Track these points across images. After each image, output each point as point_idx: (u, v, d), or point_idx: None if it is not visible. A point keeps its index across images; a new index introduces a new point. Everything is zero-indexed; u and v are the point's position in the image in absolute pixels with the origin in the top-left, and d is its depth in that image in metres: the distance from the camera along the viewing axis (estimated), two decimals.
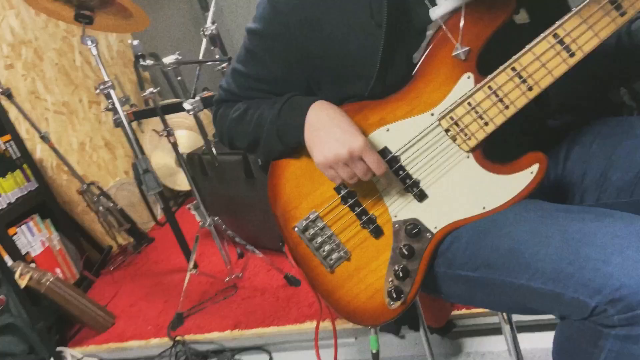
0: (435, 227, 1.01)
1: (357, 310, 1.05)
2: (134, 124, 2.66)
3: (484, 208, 0.99)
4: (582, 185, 1.06)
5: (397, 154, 1.01)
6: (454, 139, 0.99)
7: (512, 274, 0.88)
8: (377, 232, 1.03)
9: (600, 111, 1.14)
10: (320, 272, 1.06)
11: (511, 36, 0.96)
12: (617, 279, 0.75)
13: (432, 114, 1.00)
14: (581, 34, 0.92)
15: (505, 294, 0.91)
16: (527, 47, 0.94)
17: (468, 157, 1.00)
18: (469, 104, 0.97)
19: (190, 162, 2.56)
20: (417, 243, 1.01)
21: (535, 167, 0.97)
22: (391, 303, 1.02)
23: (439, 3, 0.98)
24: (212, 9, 2.11)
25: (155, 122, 2.52)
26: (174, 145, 2.16)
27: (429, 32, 0.99)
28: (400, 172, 1.02)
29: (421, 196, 1.01)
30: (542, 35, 0.93)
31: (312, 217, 1.05)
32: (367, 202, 1.03)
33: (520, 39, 0.94)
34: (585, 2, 0.91)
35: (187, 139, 3.18)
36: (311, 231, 1.05)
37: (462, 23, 0.96)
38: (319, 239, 1.05)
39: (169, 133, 2.14)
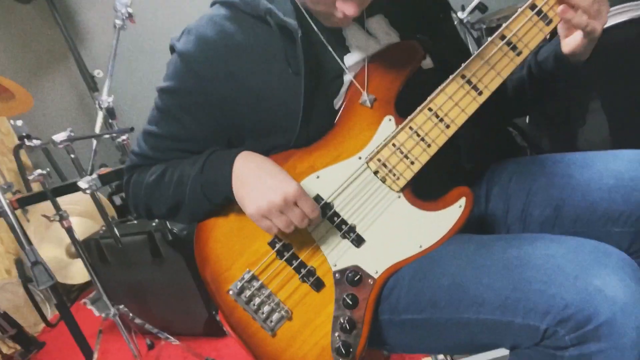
0: (377, 272, 0.98)
1: None
2: (18, 213, 2.40)
3: (420, 247, 0.98)
4: (506, 221, 1.11)
5: (329, 201, 0.99)
6: (383, 180, 1.00)
7: (458, 309, 0.87)
8: (318, 285, 0.98)
9: (507, 153, 1.22)
10: (262, 338, 0.97)
11: (421, 79, 1.02)
12: (562, 298, 0.76)
13: (360, 158, 1.00)
14: (485, 73, 0.99)
15: (454, 333, 0.89)
16: (440, 88, 0.99)
17: (399, 197, 1.00)
18: (394, 145, 0.99)
19: (87, 249, 2.34)
20: (360, 291, 0.97)
21: (462, 201, 0.99)
22: None
23: (351, 51, 1.01)
24: (107, 82, 2.02)
25: (43, 209, 2.29)
26: (69, 230, 1.96)
27: (346, 78, 1.01)
28: (335, 219, 0.99)
29: (358, 241, 0.99)
30: (452, 76, 0.99)
31: (247, 277, 0.97)
32: (305, 254, 0.99)
33: (429, 83, 0.99)
34: (484, 45, 0.99)
35: (79, 226, 2.92)
36: (247, 292, 0.97)
37: (366, 73, 1.00)
38: (257, 300, 0.97)
39: (62, 217, 1.94)
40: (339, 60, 1.00)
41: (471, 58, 0.99)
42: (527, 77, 1.09)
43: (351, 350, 0.95)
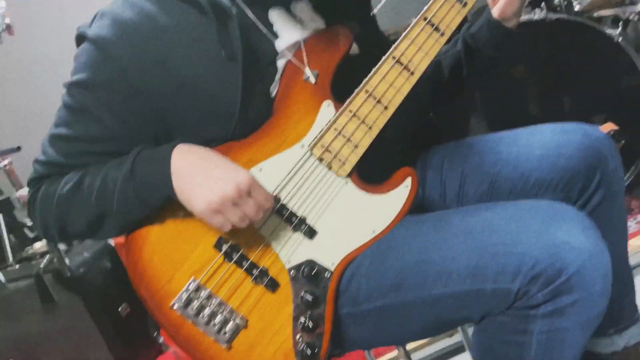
0: (333, 263, 0.92)
1: None
2: None
3: (373, 232, 0.95)
4: (444, 204, 1.12)
5: (275, 193, 0.91)
6: (329, 166, 0.95)
7: (425, 286, 0.84)
8: (273, 285, 0.90)
9: (433, 139, 1.24)
10: (216, 353, 0.86)
11: (349, 65, 1.00)
12: (530, 256, 0.77)
13: (302, 145, 0.94)
14: (414, 53, 1.00)
15: (421, 314, 0.86)
16: (373, 70, 0.98)
17: (347, 182, 0.96)
18: (336, 129, 0.95)
19: None
20: (318, 286, 0.91)
21: (408, 181, 0.98)
22: None
23: (280, 35, 0.97)
24: None
25: None
26: None
27: (279, 63, 0.96)
28: (284, 212, 0.92)
29: (311, 233, 0.92)
30: (384, 58, 0.98)
31: (192, 287, 0.86)
32: (255, 253, 0.90)
33: (358, 69, 0.98)
34: (409, 27, 1.00)
35: None
36: (195, 304, 0.86)
37: (304, 52, 0.96)
38: (207, 311, 0.86)
39: None
40: (274, 43, 0.95)
41: (399, 40, 1.00)
42: (463, 50, 1.12)
43: (316, 350, 0.88)
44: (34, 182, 0.92)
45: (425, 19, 0.99)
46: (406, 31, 1.01)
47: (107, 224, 0.87)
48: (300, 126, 0.95)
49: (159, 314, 0.85)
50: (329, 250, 0.92)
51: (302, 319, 0.89)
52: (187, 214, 0.87)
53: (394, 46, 0.99)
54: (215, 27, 0.87)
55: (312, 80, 0.95)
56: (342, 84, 0.97)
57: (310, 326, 0.88)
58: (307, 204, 0.93)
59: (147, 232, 0.87)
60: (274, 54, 0.95)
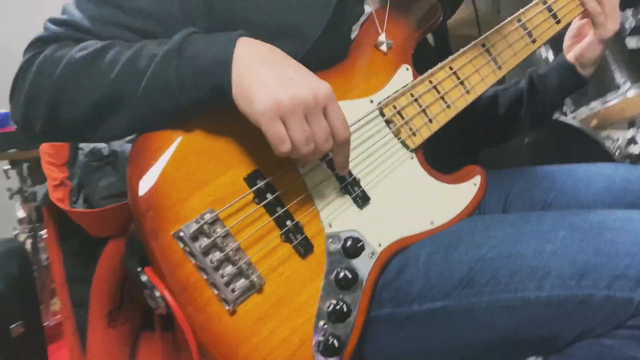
0: (380, 245, 0.73)
1: None
2: None
3: (432, 222, 0.77)
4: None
5: None
6: (397, 132, 0.79)
7: (508, 286, 0.65)
8: (306, 248, 0.69)
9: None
10: (214, 313, 0.62)
11: (421, 52, 0.88)
12: None
13: (372, 101, 0.79)
14: (503, 49, 0.91)
15: (492, 323, 0.67)
16: (461, 50, 0.87)
17: (412, 157, 0.80)
18: (412, 95, 0.81)
19: None
20: (358, 266, 0.70)
21: (477, 179, 0.83)
22: None
23: None
24: None
25: None
26: None
27: (366, 7, 0.82)
28: None
29: (362, 200, 0.74)
30: (473, 42, 0.88)
31: (208, 217, 0.64)
32: (292, 203, 0.70)
33: (429, 58, 0.86)
34: (502, 23, 0.92)
35: None
36: (205, 240, 0.63)
37: (386, 14, 0.83)
38: (218, 254, 0.64)
39: None
40: None
41: (490, 31, 0.90)
42: (527, 88, 1.01)
43: (341, 344, 0.65)
44: (39, 43, 0.70)
45: (519, 20, 0.91)
46: (498, 26, 0.91)
47: (117, 116, 0.66)
48: (373, 81, 0.80)
49: (154, 241, 0.62)
50: (378, 228, 0.74)
51: (332, 301, 0.67)
52: (223, 130, 0.67)
53: (484, 35, 0.89)
54: None
55: (384, 49, 0.81)
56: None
57: (341, 312, 0.66)
58: (365, 167, 0.76)
59: (169, 135, 0.65)
60: None
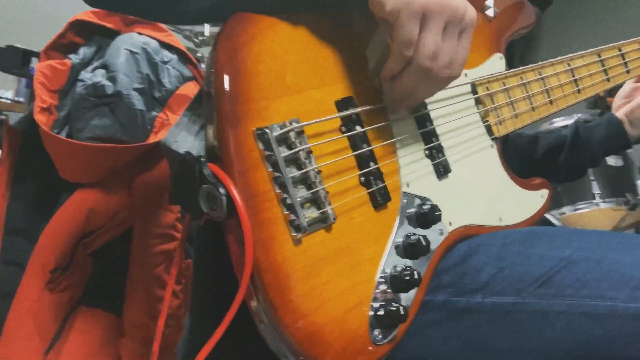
0: (450, 224, 0.65)
1: (318, 333, 0.52)
2: None
3: (500, 219, 0.70)
4: None
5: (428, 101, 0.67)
6: (485, 115, 0.73)
7: (595, 291, 0.58)
8: (383, 197, 0.59)
9: None
10: (277, 237, 0.51)
11: None
12: None
13: (466, 75, 0.73)
14: (585, 76, 0.88)
15: (566, 330, 0.59)
16: (549, 61, 0.84)
17: (492, 146, 0.74)
18: (504, 84, 0.76)
19: None
20: (427, 236, 0.61)
21: (545, 192, 0.78)
22: (378, 336, 0.55)
23: None
24: None
25: None
26: None
27: None
28: (427, 125, 0.66)
29: (445, 170, 0.66)
30: (560, 57, 0.85)
31: (294, 126, 0.54)
32: (378, 145, 0.61)
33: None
34: (602, 47, 0.91)
35: None
36: (286, 151, 0.53)
37: None
38: (296, 170, 0.53)
39: None
40: None
41: (576, 54, 0.88)
42: (570, 136, 0.99)
43: (400, 318, 0.55)
44: None
45: (619, 49, 0.90)
46: (582, 52, 0.90)
47: None
48: (470, 56, 0.74)
49: (233, 130, 0.50)
50: (452, 206, 0.66)
51: (397, 265, 0.58)
52: (327, 42, 0.59)
53: (569, 56, 0.87)
54: None
55: (491, 14, 0.77)
56: None
57: (408, 280, 0.57)
58: (450, 138, 0.68)
59: (275, 23, 0.56)
60: None
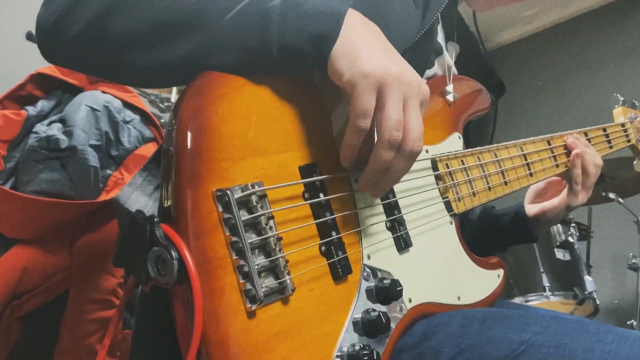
0: (410, 300, 0.63)
1: None
2: None
3: (459, 299, 0.69)
4: None
5: None
6: (444, 191, 0.73)
7: None
8: (344, 270, 0.57)
9: None
10: (229, 307, 0.47)
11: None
12: None
13: (427, 151, 0.73)
14: (535, 160, 0.92)
15: None
16: (504, 144, 0.87)
17: (451, 223, 0.73)
18: (462, 162, 0.77)
19: None
20: (388, 313, 0.59)
21: (500, 272, 0.78)
22: None
23: (444, 46, 0.85)
24: None
25: None
26: None
27: (437, 60, 0.81)
28: (390, 196, 0.65)
29: (405, 244, 0.65)
30: (513, 142, 0.89)
31: (256, 189, 0.51)
32: (340, 215, 0.59)
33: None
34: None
35: None
36: (244, 213, 0.50)
37: (451, 74, 0.83)
38: (255, 237, 0.50)
39: None
40: (442, 42, 0.82)
41: (525, 140, 0.92)
42: (479, 220, 0.99)
43: None
44: None
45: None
46: (533, 138, 0.94)
47: (182, 41, 0.54)
48: (431, 133, 0.76)
49: (191, 190, 0.47)
50: (411, 282, 0.64)
51: (355, 344, 0.54)
52: (292, 107, 0.58)
53: (522, 140, 0.91)
54: None
55: (450, 99, 0.80)
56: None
57: (365, 359, 0.53)
58: (411, 211, 0.68)
59: (241, 84, 0.54)
60: (440, 49, 0.82)
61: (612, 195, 1.91)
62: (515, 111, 2.93)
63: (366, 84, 0.52)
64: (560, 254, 1.80)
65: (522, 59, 3.23)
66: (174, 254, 0.45)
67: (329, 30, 0.54)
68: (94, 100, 1.11)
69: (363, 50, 0.53)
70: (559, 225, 1.89)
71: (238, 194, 0.50)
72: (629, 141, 1.20)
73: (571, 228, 1.83)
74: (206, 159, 0.49)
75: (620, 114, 1.28)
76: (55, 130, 1.04)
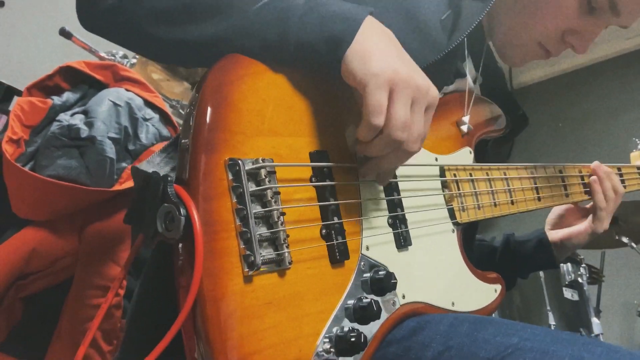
0: (404, 297, 0.64)
1: None
2: None
3: (453, 304, 0.70)
4: None
5: (397, 172, 0.68)
6: (449, 198, 0.75)
7: None
8: (341, 254, 0.59)
9: None
10: (227, 268, 0.49)
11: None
12: None
13: (437, 159, 0.76)
14: (544, 185, 0.93)
15: None
16: (515, 164, 0.88)
17: (453, 231, 0.75)
18: (470, 175, 0.79)
19: None
20: (380, 304, 0.60)
21: (498, 287, 0.79)
22: None
23: (468, 72, 0.88)
24: None
25: None
26: None
27: (456, 82, 0.84)
28: (394, 194, 0.67)
29: (405, 242, 0.66)
30: (544, 164, 0.91)
31: (266, 164, 0.54)
32: (343, 201, 0.61)
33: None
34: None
35: None
36: (253, 186, 0.53)
37: (471, 101, 0.85)
38: (260, 209, 0.53)
39: None
40: (468, 66, 0.85)
41: (541, 164, 0.93)
42: (501, 248, 1.02)
43: None
44: None
45: (560, 171, 0.95)
46: (544, 164, 0.95)
47: (208, 24, 0.57)
48: (443, 144, 0.78)
49: (205, 156, 0.50)
50: (407, 280, 0.65)
51: (345, 326, 0.56)
52: (309, 96, 0.61)
53: (533, 164, 0.92)
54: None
55: (464, 130, 0.82)
56: None
57: (354, 344, 0.55)
58: (415, 212, 0.70)
59: (264, 70, 0.58)
60: (463, 73, 0.85)
61: (625, 240, 1.89)
62: (532, 150, 2.93)
63: (377, 82, 0.55)
64: (568, 294, 1.77)
65: (544, 100, 3.25)
66: (182, 211, 0.48)
67: (346, 33, 0.57)
68: (117, 96, 1.16)
69: (375, 52, 0.57)
70: (568, 264, 1.87)
71: (249, 166, 0.53)
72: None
73: (581, 268, 1.81)
74: (223, 129, 0.52)
75: (637, 158, 1.28)
76: (78, 120, 1.09)
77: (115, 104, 1.15)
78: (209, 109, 0.52)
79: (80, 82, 1.19)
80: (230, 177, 0.51)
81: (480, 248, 1.03)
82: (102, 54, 1.47)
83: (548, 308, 1.73)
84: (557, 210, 1.02)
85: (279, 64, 0.59)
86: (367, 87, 0.55)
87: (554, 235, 0.99)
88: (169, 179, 0.50)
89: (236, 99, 0.54)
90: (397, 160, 0.60)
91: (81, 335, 1.05)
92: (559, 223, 1.01)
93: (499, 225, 2.48)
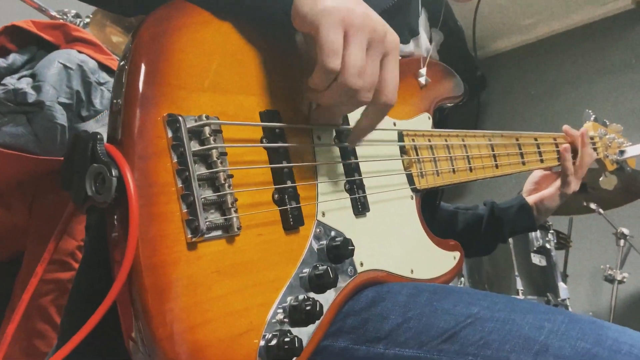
0: (362, 264, 0.61)
1: (197, 354, 0.44)
2: None
3: (412, 272, 0.68)
4: None
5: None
6: (408, 164, 0.72)
7: (498, 352, 0.56)
8: (295, 221, 0.55)
9: None
10: (168, 234, 0.45)
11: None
12: None
13: (395, 124, 0.73)
14: (505, 154, 0.92)
15: None
16: (473, 131, 0.87)
17: (412, 198, 0.72)
18: (429, 140, 0.77)
19: None
20: (337, 272, 0.57)
21: (457, 254, 0.77)
22: None
23: (422, 28, 0.85)
24: None
25: None
26: None
27: (415, 39, 0.81)
28: (351, 157, 0.64)
29: (363, 208, 0.63)
30: (489, 131, 0.89)
31: (210, 121, 0.49)
32: (297, 165, 0.57)
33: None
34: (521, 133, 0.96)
35: None
36: (197, 145, 0.48)
37: (427, 57, 0.83)
38: (204, 169, 0.48)
39: None
40: (422, 26, 0.82)
41: (500, 132, 0.92)
42: (487, 215, 1.04)
43: (292, 351, 0.49)
44: None
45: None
46: (510, 132, 0.94)
47: None
48: (401, 108, 0.75)
49: (142, 109, 0.45)
50: (365, 247, 0.62)
51: (299, 295, 0.53)
52: (260, 52, 0.56)
53: (491, 132, 0.91)
54: None
55: (422, 82, 0.80)
56: None
57: (304, 316, 0.51)
58: (373, 177, 0.66)
59: (210, 18, 0.52)
60: (416, 31, 0.82)
61: (593, 206, 1.93)
62: (506, 118, 2.95)
63: (330, 21, 0.51)
64: (536, 259, 1.81)
65: (517, 67, 3.26)
66: (114, 171, 0.43)
67: None
68: (68, 58, 1.08)
69: None
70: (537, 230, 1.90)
71: (191, 123, 0.48)
72: (597, 155, 1.21)
73: (549, 234, 1.85)
74: (160, 82, 0.47)
75: (590, 129, 1.30)
76: (25, 84, 1.01)
77: (66, 67, 1.07)
78: (144, 61, 0.47)
79: (28, 43, 1.10)
80: (170, 134, 0.47)
81: (465, 216, 1.06)
82: (53, 13, 1.37)
83: (516, 273, 1.75)
84: (532, 178, 1.09)
85: (228, 14, 0.54)
86: (320, 26, 0.51)
87: (529, 200, 1.04)
88: (98, 137, 0.45)
89: (177, 49, 0.49)
90: (348, 110, 0.58)
91: (36, 311, 1.00)
92: (534, 190, 1.06)
93: (473, 190, 2.50)
